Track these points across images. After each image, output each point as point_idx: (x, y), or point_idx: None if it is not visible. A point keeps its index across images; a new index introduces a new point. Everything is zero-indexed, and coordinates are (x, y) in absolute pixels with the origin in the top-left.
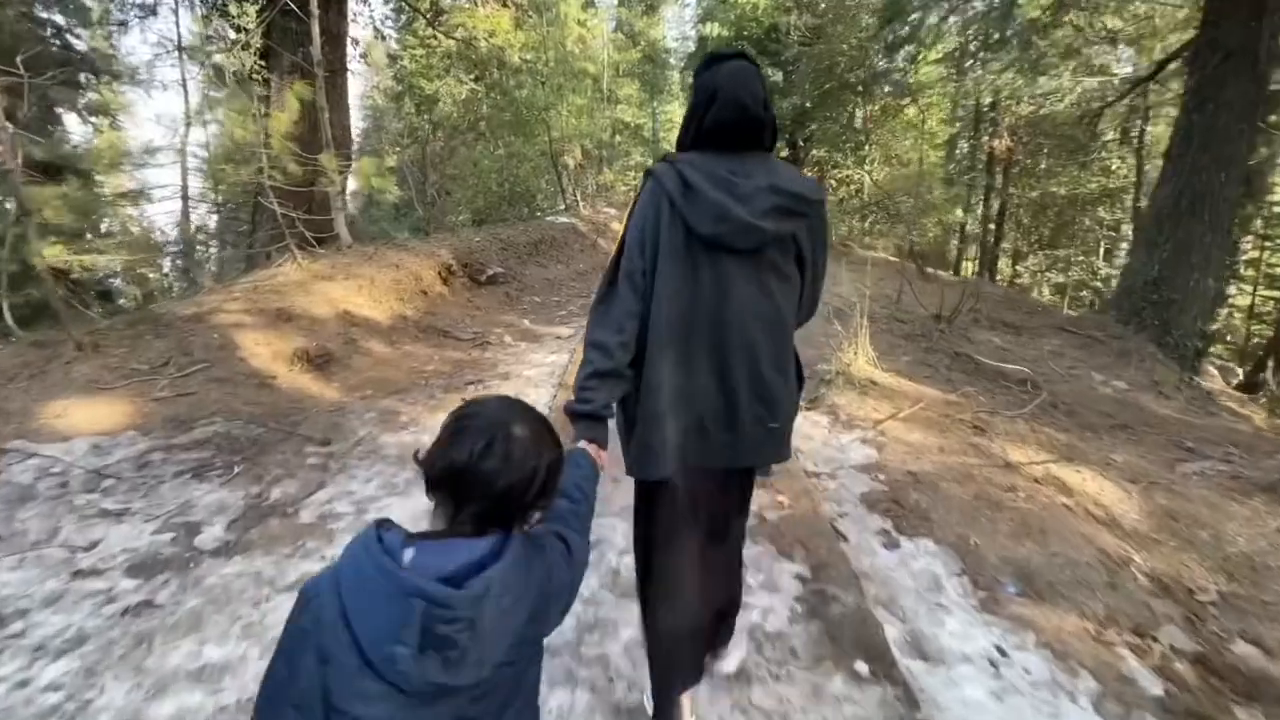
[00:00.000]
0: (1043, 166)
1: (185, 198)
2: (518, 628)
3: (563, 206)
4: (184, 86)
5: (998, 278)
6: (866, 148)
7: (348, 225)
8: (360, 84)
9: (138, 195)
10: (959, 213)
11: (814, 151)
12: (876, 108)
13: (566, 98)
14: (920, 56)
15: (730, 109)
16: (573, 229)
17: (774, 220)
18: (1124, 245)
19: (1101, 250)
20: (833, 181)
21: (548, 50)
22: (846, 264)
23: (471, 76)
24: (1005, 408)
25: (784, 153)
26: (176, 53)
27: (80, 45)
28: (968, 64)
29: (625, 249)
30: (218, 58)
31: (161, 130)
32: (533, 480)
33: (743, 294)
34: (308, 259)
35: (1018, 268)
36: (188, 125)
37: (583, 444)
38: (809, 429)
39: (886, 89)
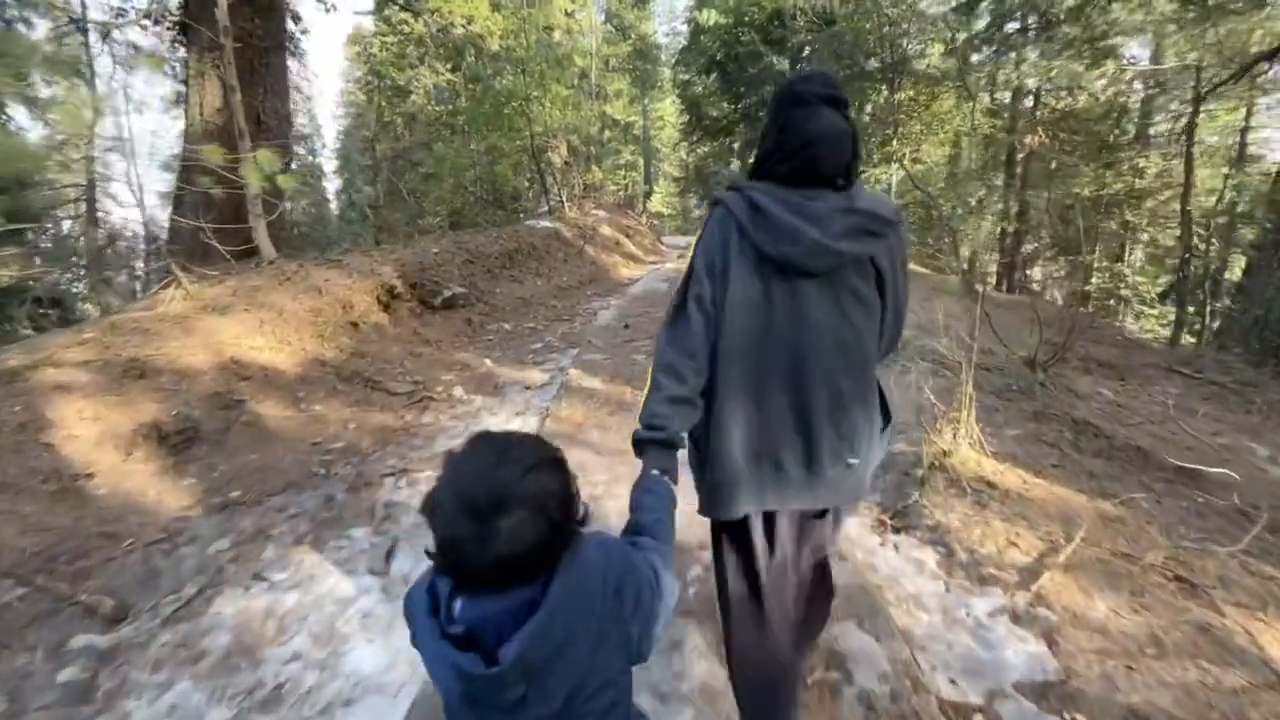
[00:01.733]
0: (1076, 164)
1: (91, 200)
2: (582, 667)
3: (546, 209)
4: (89, 69)
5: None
6: (893, 143)
7: (288, 234)
8: (341, 80)
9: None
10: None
11: None
12: (905, 96)
13: (549, 87)
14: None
15: (820, 164)
16: (556, 235)
17: (850, 241)
18: (1139, 250)
19: (1129, 256)
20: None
21: (529, 35)
22: None
23: (448, 66)
24: (1186, 521)
25: None
26: (79, 29)
27: None
28: (1000, 49)
29: (694, 276)
30: (130, 33)
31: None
32: (545, 540)
33: (820, 320)
34: (200, 283)
35: (1027, 272)
36: (95, 115)
37: (655, 473)
38: (905, 573)
39: (924, 72)
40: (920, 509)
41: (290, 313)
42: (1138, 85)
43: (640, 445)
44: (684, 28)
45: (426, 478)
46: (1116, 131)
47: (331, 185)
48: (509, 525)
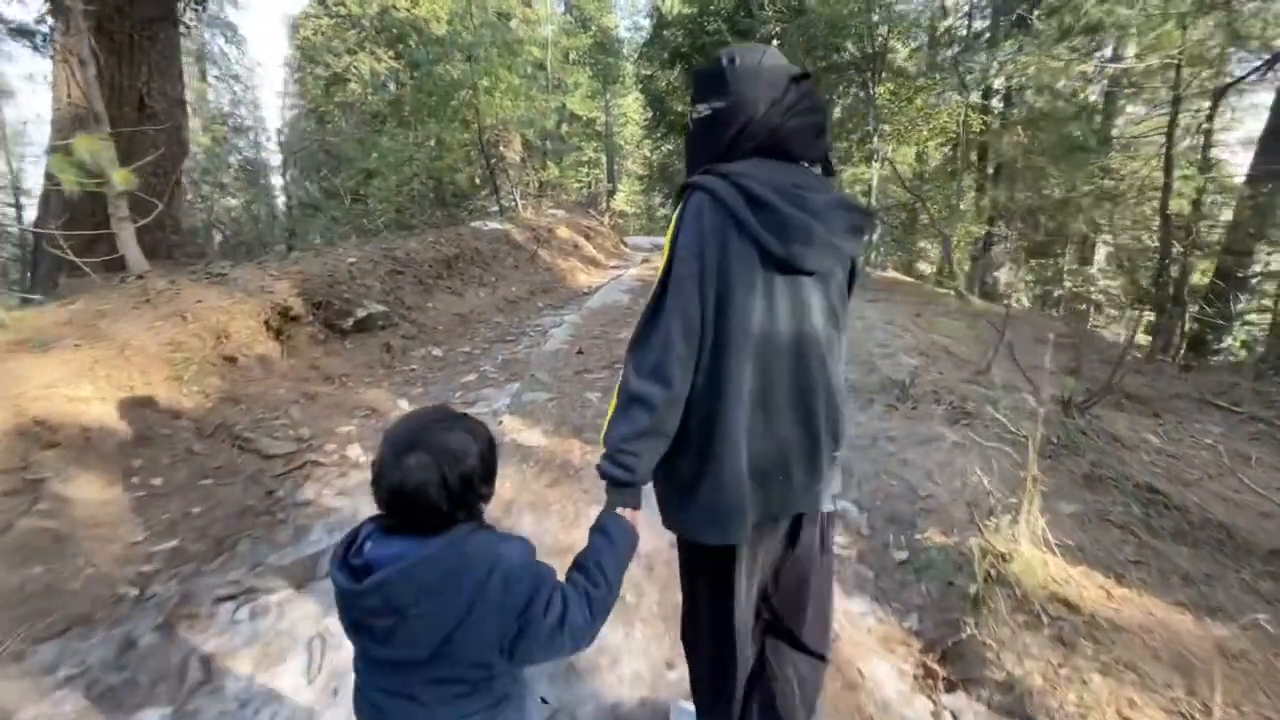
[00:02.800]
0: (1045, 165)
1: None
2: (447, 625)
3: (496, 208)
4: None
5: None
6: (874, 140)
7: (182, 240)
8: (285, 70)
9: None
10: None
11: None
12: (885, 90)
13: (497, 74)
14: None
15: (806, 108)
16: (505, 238)
17: (848, 239)
18: (1101, 252)
19: (1098, 258)
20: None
21: (475, 18)
22: (864, 294)
23: (390, 53)
24: None
25: None
26: None
27: None
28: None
29: (674, 282)
30: None
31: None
32: (438, 492)
33: (818, 321)
34: (23, 308)
35: (995, 274)
36: None
37: (618, 512)
38: None
39: (904, 67)
40: (980, 648)
41: (138, 348)
42: (1102, 84)
43: (606, 480)
44: (646, 22)
45: (281, 601)
46: (1087, 132)
47: (279, 181)
48: (411, 462)
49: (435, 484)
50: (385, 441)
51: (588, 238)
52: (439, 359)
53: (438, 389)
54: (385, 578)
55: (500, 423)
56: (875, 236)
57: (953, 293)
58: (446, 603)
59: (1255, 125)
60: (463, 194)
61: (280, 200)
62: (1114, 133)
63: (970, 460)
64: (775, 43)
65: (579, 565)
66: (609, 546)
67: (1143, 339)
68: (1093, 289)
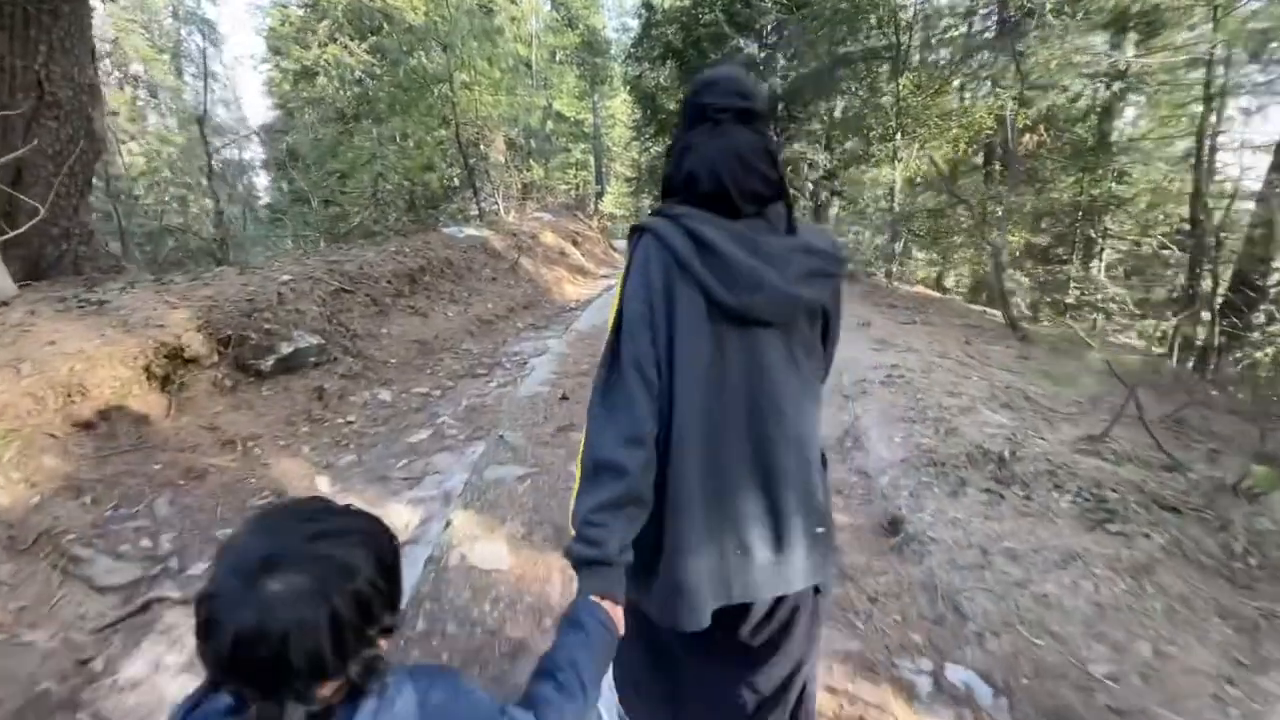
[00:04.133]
0: (1056, 167)
1: None
2: None
3: (475, 212)
4: None
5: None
6: (896, 138)
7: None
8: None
9: None
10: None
11: (798, 145)
12: (909, 82)
13: (475, 65)
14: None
15: (741, 198)
16: (483, 246)
17: (809, 287)
18: (1102, 259)
19: (1101, 264)
20: (836, 189)
21: (451, 6)
22: (885, 311)
23: (363, 46)
24: None
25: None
26: None
27: None
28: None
29: (626, 329)
30: None
31: None
32: (318, 637)
33: (778, 375)
34: None
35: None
36: None
37: (594, 599)
38: None
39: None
40: None
41: None
42: (1109, 84)
43: (574, 562)
44: (634, 22)
45: None
46: (1098, 134)
47: (262, 182)
48: (276, 590)
49: (321, 621)
50: (225, 558)
51: (575, 243)
52: (386, 406)
53: (375, 455)
54: None
55: (448, 524)
56: (899, 247)
57: (996, 313)
58: None
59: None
60: (436, 197)
61: (262, 202)
62: (1113, 136)
63: (1147, 599)
64: (778, 37)
65: (544, 671)
66: (582, 641)
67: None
68: (1101, 297)
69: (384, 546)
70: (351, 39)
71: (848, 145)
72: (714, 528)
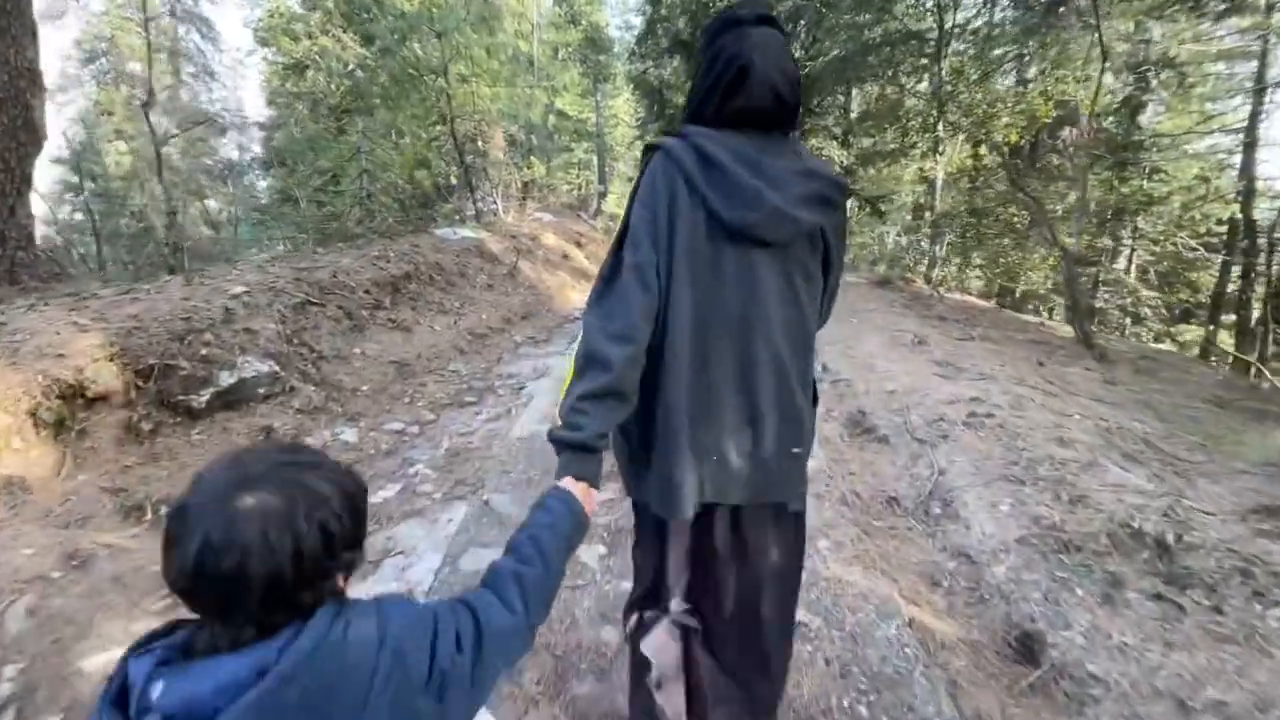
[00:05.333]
0: (1085, 163)
1: None
2: None
3: (471, 211)
4: None
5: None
6: (939, 127)
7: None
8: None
9: None
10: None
11: (814, 141)
12: (955, 64)
13: (471, 53)
14: None
15: (763, 94)
16: (478, 248)
17: (809, 210)
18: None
19: (1133, 269)
20: (865, 183)
21: None
22: (935, 324)
23: (356, 38)
24: None
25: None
26: None
27: None
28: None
29: (630, 238)
30: None
31: None
32: (282, 559)
33: (771, 296)
34: None
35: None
36: None
37: (566, 482)
38: None
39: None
40: None
41: None
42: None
43: (555, 445)
44: (638, 20)
45: None
46: (1128, 128)
47: (264, 183)
48: (246, 505)
49: (288, 539)
50: (199, 480)
51: (579, 245)
52: (349, 449)
53: None
54: None
55: None
56: (941, 250)
57: (1054, 324)
58: None
59: None
60: (429, 197)
61: (264, 202)
62: (1142, 131)
63: None
64: (794, 25)
65: (508, 547)
66: (548, 523)
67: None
68: (1132, 301)
69: (352, 485)
70: (344, 30)
71: (866, 141)
72: (698, 432)
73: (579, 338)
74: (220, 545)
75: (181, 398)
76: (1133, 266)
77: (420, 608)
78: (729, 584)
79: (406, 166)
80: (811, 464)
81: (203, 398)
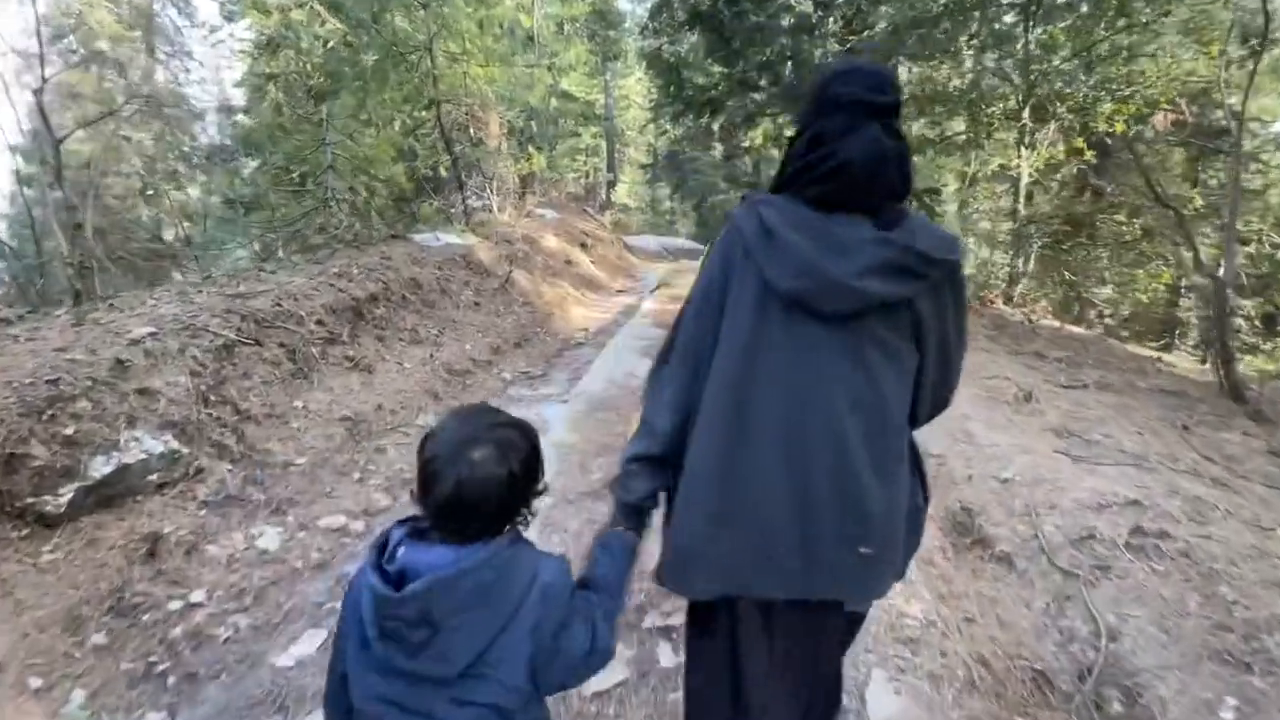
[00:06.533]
0: (1162, 152)
1: None
2: (481, 641)
3: (461, 208)
4: None
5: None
6: (1025, 112)
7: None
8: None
9: None
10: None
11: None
12: (1054, 34)
13: (458, 26)
14: None
15: (856, 193)
16: (464, 257)
17: (880, 280)
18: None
19: (1220, 269)
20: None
21: None
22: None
23: (338, 15)
24: None
25: None
26: None
27: None
28: None
29: (688, 310)
30: None
31: None
32: (502, 488)
33: (832, 372)
34: None
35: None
36: None
37: (619, 529)
38: None
39: None
40: None
41: None
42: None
43: (611, 494)
44: None
45: None
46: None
47: (247, 172)
48: (478, 455)
49: (501, 479)
50: (439, 438)
51: (584, 246)
52: (266, 562)
53: (201, 716)
54: (426, 587)
55: None
56: (1027, 264)
57: (1173, 360)
58: (484, 618)
59: None
60: (407, 194)
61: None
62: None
63: None
64: None
65: (589, 579)
66: (610, 559)
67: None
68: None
69: (534, 438)
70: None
71: (914, 125)
72: (718, 510)
73: (644, 389)
74: (467, 481)
75: (32, 500)
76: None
77: (568, 581)
78: (785, 666)
79: (381, 161)
80: (915, 611)
81: (63, 497)
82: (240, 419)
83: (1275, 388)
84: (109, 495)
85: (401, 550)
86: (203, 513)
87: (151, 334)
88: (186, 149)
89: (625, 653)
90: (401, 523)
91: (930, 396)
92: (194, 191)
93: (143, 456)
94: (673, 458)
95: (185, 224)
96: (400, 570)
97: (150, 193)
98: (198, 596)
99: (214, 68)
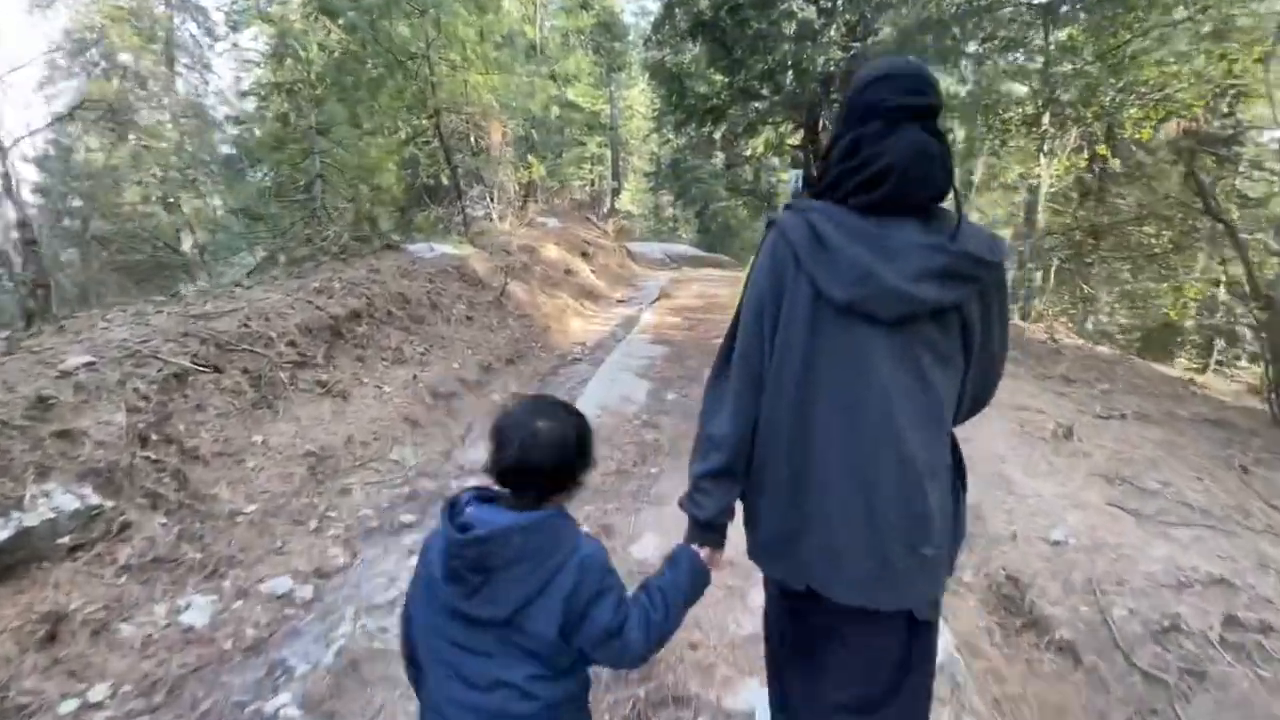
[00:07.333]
0: (1167, 160)
1: None
2: (527, 592)
3: (459, 218)
4: None
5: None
6: (1045, 119)
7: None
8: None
9: None
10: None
11: None
12: (1074, 34)
13: (457, 33)
14: None
15: (900, 195)
16: (458, 269)
17: (934, 286)
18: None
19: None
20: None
21: None
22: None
23: (339, 23)
24: None
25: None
26: None
27: None
28: None
29: (741, 321)
30: None
31: None
32: (556, 459)
33: (890, 379)
34: None
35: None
36: None
37: (694, 546)
38: None
39: None
40: None
41: None
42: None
43: (684, 511)
44: (654, 4)
45: None
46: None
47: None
48: (544, 426)
49: (561, 446)
50: (512, 414)
51: (585, 255)
52: (190, 641)
53: None
54: (487, 534)
55: None
56: (1045, 278)
57: (1205, 383)
58: (530, 571)
59: None
60: (400, 203)
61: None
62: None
63: None
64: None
65: (644, 587)
66: (675, 577)
67: None
68: (1224, 319)
69: (586, 423)
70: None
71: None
72: (797, 522)
73: (700, 411)
74: (530, 443)
75: None
76: (1224, 277)
77: (608, 567)
78: (861, 670)
79: (380, 170)
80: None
81: None
82: (184, 460)
83: None
84: (6, 565)
85: (470, 509)
86: (122, 580)
87: (88, 364)
88: (207, 158)
89: None
90: (472, 489)
91: (971, 397)
92: (215, 201)
93: (50, 516)
94: (741, 471)
95: (198, 233)
96: (465, 524)
97: (170, 200)
98: (98, 693)
99: (233, 79)
